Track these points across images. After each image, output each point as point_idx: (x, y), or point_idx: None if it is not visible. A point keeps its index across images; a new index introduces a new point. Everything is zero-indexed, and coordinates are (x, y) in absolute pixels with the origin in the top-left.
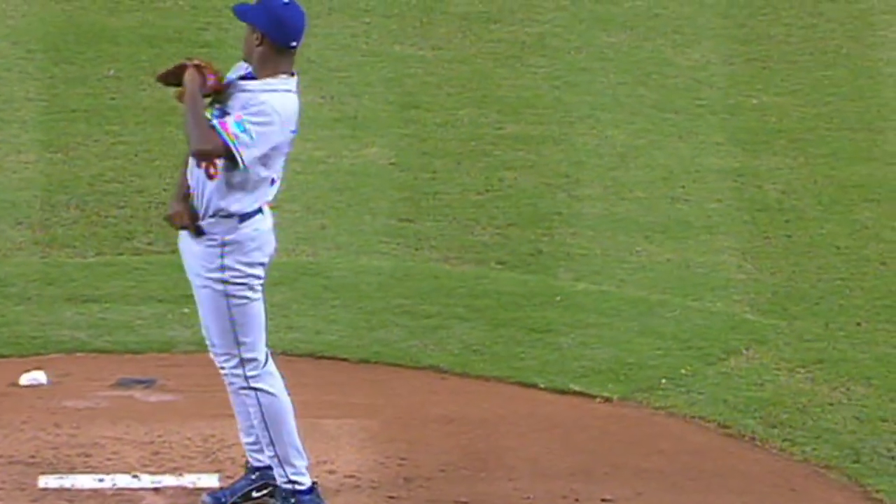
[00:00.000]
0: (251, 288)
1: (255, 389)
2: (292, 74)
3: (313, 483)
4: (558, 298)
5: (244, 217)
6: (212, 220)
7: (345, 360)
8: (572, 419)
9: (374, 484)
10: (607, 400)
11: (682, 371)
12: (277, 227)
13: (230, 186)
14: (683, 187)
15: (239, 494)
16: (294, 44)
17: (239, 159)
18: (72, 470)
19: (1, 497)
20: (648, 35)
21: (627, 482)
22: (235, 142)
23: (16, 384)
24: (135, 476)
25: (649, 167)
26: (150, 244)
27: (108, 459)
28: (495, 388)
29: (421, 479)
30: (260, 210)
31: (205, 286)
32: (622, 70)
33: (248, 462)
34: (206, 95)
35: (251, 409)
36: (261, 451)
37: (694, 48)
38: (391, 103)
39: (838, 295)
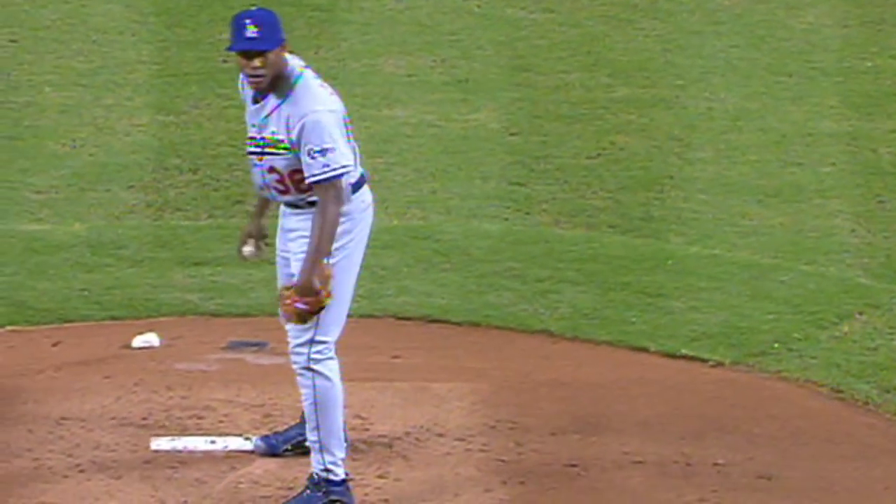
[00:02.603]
0: (349, 265)
1: (314, 372)
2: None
3: (346, 476)
4: (669, 262)
5: (355, 187)
6: None
7: (455, 323)
8: (683, 383)
9: (485, 447)
10: (719, 364)
11: (795, 335)
12: (389, 191)
13: None
14: (796, 151)
15: (292, 442)
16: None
17: (350, 168)
18: (183, 432)
19: (114, 459)
20: None
21: (739, 447)
22: (339, 166)
23: (128, 346)
24: (246, 438)
25: (762, 130)
26: None
27: (220, 422)
28: (606, 352)
29: (531, 442)
30: (364, 180)
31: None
32: (735, 33)
33: (303, 412)
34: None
35: (304, 390)
36: None
37: (808, 11)
38: (502, 67)
39: None
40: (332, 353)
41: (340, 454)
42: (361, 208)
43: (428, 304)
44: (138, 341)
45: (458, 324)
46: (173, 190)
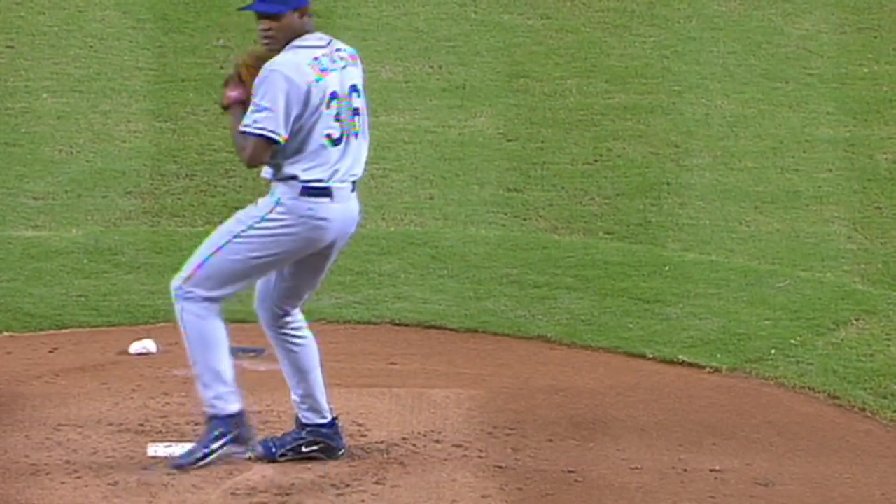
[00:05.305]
0: (266, 241)
1: (181, 305)
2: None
3: (240, 411)
4: (667, 268)
5: (308, 190)
6: (279, 182)
7: (452, 329)
8: (680, 390)
9: (482, 454)
10: (716, 370)
11: (792, 341)
12: (387, 197)
13: (279, 150)
14: (793, 157)
15: (288, 447)
16: None
17: (275, 136)
18: (181, 438)
19: (111, 464)
20: (759, 4)
21: (736, 453)
22: (260, 126)
23: (126, 353)
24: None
25: (759, 137)
26: None
27: None
28: (603, 358)
29: (529, 448)
30: (329, 193)
31: (231, 221)
32: (732, 39)
33: (298, 418)
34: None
35: (180, 328)
36: (310, 409)
37: (804, 17)
38: (499, 73)
39: None
40: (203, 304)
41: (223, 388)
42: (307, 213)
43: (425, 310)
44: (135, 347)
45: (456, 330)
46: (170, 196)
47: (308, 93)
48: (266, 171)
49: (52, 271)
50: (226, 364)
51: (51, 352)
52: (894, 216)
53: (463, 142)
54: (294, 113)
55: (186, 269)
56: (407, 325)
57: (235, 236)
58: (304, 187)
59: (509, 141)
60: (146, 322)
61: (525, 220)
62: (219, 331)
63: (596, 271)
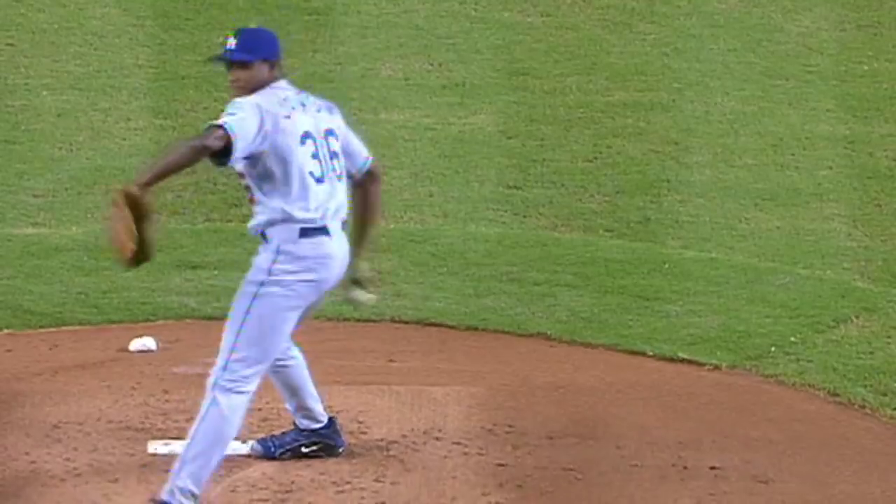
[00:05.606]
0: (285, 294)
1: (216, 398)
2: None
3: None
4: (666, 266)
5: (306, 231)
6: (273, 227)
7: (452, 327)
8: (680, 387)
9: (482, 451)
10: (716, 368)
11: (792, 339)
12: (386, 195)
13: (268, 190)
14: (793, 154)
15: (288, 447)
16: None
17: (230, 130)
18: (181, 436)
19: (111, 462)
20: (759, 1)
21: (736, 450)
22: (223, 120)
23: (125, 350)
24: (243, 442)
25: (759, 134)
26: None
27: None
28: (603, 355)
29: (528, 446)
30: (326, 231)
31: (242, 289)
32: (732, 36)
33: (295, 423)
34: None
35: (201, 410)
36: (306, 417)
37: (804, 14)
38: (499, 70)
39: None
40: (243, 390)
41: (194, 488)
42: (310, 254)
43: (425, 308)
44: (135, 345)
45: (456, 327)
46: (170, 193)
47: (277, 120)
48: (258, 221)
49: (52, 268)
50: (214, 468)
51: (51, 349)
52: (894, 213)
53: (463, 139)
54: (265, 131)
55: (220, 359)
56: (407, 323)
57: (254, 298)
58: (301, 229)
59: (509, 138)
60: (146, 319)
61: (525, 217)
62: (230, 437)
63: (596, 269)
